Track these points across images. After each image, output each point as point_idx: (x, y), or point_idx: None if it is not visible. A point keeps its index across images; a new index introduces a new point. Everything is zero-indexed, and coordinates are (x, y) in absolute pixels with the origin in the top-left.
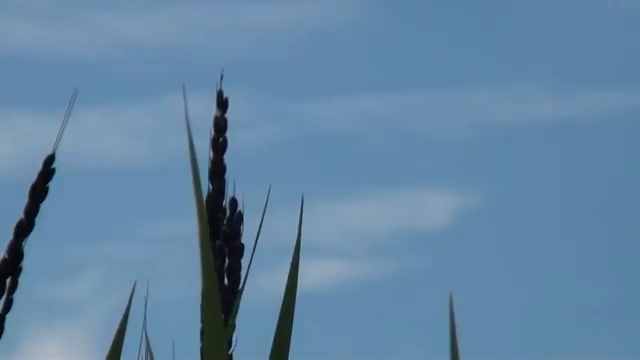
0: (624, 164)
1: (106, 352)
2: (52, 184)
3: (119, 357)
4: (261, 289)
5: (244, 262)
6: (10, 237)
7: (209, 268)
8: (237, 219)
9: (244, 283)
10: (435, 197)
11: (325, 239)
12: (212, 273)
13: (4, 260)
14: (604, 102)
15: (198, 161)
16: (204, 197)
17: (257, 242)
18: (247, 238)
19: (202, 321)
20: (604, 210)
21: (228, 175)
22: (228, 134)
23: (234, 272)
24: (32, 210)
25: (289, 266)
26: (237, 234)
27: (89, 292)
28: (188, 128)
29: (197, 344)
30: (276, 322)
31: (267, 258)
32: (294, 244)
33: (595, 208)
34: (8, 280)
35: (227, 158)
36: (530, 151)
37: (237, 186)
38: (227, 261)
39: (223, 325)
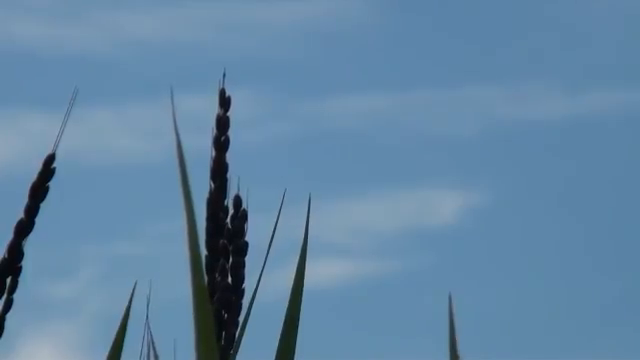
0: (634, 162)
1: (105, 352)
2: (54, 183)
3: (119, 357)
4: (267, 288)
5: (248, 260)
6: (10, 236)
7: (199, 267)
8: (241, 217)
9: (258, 283)
10: (442, 195)
11: (331, 237)
12: (201, 271)
13: (4, 260)
14: (614, 101)
15: (195, 160)
16: (192, 197)
17: (272, 241)
18: (252, 237)
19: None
20: (613, 210)
21: (234, 173)
22: (231, 132)
23: (237, 270)
24: (32, 209)
25: (295, 265)
26: (241, 232)
27: (85, 291)
28: (175, 127)
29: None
30: (282, 321)
31: (273, 257)
32: (301, 243)
33: (604, 207)
34: (8, 280)
35: (230, 157)
36: (539, 149)
37: (243, 185)
38: (231, 259)
39: (213, 325)
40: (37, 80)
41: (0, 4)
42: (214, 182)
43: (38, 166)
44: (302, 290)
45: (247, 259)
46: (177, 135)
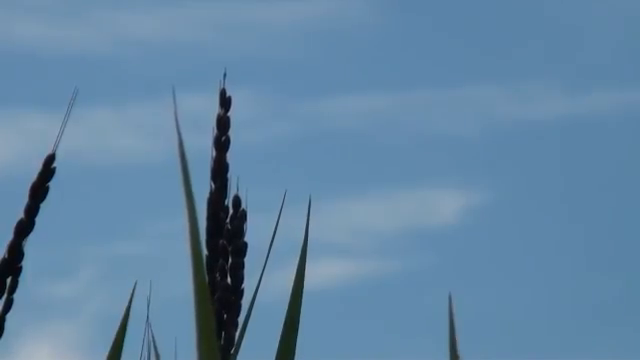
0: (634, 162)
1: (105, 352)
2: (54, 183)
3: (120, 357)
4: (267, 288)
5: (247, 261)
6: (10, 236)
7: (200, 266)
8: (240, 217)
9: (259, 283)
10: (443, 195)
11: (331, 238)
12: (203, 271)
13: (4, 260)
14: (614, 101)
15: (196, 160)
16: (193, 195)
17: (273, 242)
18: (252, 237)
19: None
20: (613, 210)
21: (234, 174)
22: (231, 132)
23: (237, 271)
24: (32, 209)
25: (295, 265)
26: (240, 232)
27: (85, 291)
28: (177, 127)
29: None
30: (282, 321)
31: (273, 257)
32: (301, 243)
33: (604, 207)
34: (8, 280)
35: (230, 157)
36: (539, 149)
37: (242, 185)
38: (230, 259)
39: (214, 324)
40: (37, 80)
41: (0, 4)
42: (215, 182)
43: (38, 166)
44: (302, 290)
45: (247, 259)
46: (179, 134)
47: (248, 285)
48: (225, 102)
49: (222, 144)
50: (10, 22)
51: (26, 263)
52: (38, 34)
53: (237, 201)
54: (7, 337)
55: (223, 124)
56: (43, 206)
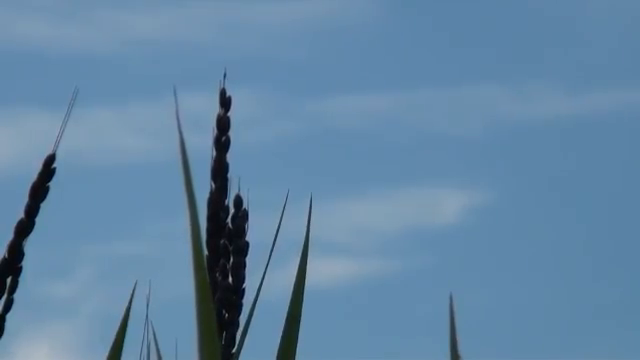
0: (635, 162)
1: (105, 352)
2: (54, 183)
3: (120, 357)
4: (269, 287)
5: (249, 260)
6: (10, 236)
7: (201, 266)
8: (242, 217)
9: (262, 282)
10: (445, 195)
11: (333, 237)
12: (204, 271)
13: (4, 260)
14: (615, 100)
15: (196, 159)
16: (195, 195)
17: (275, 241)
18: (252, 236)
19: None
20: (615, 210)
21: (236, 173)
22: (232, 132)
23: (238, 270)
24: (32, 209)
25: (297, 264)
26: (242, 232)
27: (84, 291)
28: (179, 127)
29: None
30: (284, 319)
31: (274, 256)
32: (302, 242)
33: (605, 207)
34: (8, 280)
35: (230, 157)
36: (542, 149)
37: (243, 184)
38: (231, 259)
39: (215, 324)
40: (39, 79)
41: (2, 3)
42: (215, 182)
43: (38, 166)
44: (304, 289)
45: (248, 259)
46: (180, 134)
47: (249, 284)
48: (225, 102)
49: (222, 144)
50: (12, 22)
51: (26, 263)
52: (40, 34)
53: (238, 201)
54: (6, 337)
55: (223, 124)
56: (43, 206)
